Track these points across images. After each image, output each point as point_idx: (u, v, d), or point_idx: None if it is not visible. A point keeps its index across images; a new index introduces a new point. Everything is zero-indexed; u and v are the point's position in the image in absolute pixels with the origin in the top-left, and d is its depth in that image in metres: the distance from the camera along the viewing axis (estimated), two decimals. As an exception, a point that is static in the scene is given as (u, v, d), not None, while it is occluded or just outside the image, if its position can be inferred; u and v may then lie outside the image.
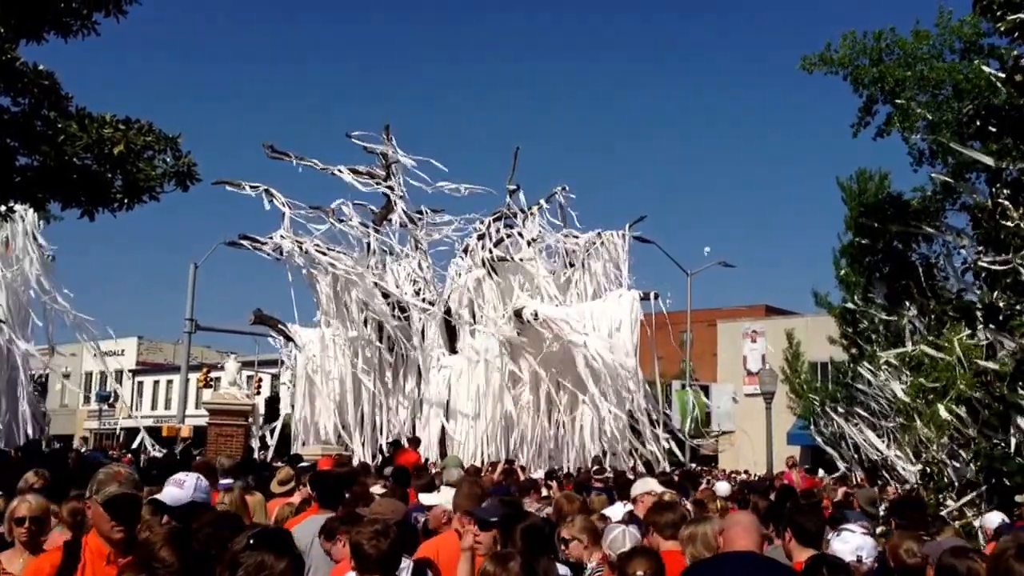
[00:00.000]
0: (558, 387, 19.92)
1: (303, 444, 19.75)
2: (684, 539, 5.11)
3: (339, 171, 20.80)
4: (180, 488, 4.67)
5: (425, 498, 6.74)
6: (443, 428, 19.76)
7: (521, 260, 20.25)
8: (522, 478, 12.83)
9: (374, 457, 18.51)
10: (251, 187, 19.90)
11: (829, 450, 18.10)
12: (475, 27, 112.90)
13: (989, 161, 12.85)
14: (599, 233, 21.08)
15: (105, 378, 27.93)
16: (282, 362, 22.58)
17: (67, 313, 19.83)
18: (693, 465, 20.83)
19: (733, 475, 23.86)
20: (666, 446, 19.77)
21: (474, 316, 20.25)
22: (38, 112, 9.87)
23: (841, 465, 17.29)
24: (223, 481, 7.48)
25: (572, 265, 21.13)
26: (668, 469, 17.57)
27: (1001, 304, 11.39)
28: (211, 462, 9.46)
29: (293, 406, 21.18)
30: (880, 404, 15.44)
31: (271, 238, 19.36)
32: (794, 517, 5.08)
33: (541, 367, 19.81)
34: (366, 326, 19.99)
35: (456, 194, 21.39)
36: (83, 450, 24.06)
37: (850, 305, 21.84)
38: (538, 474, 15.64)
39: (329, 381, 20.10)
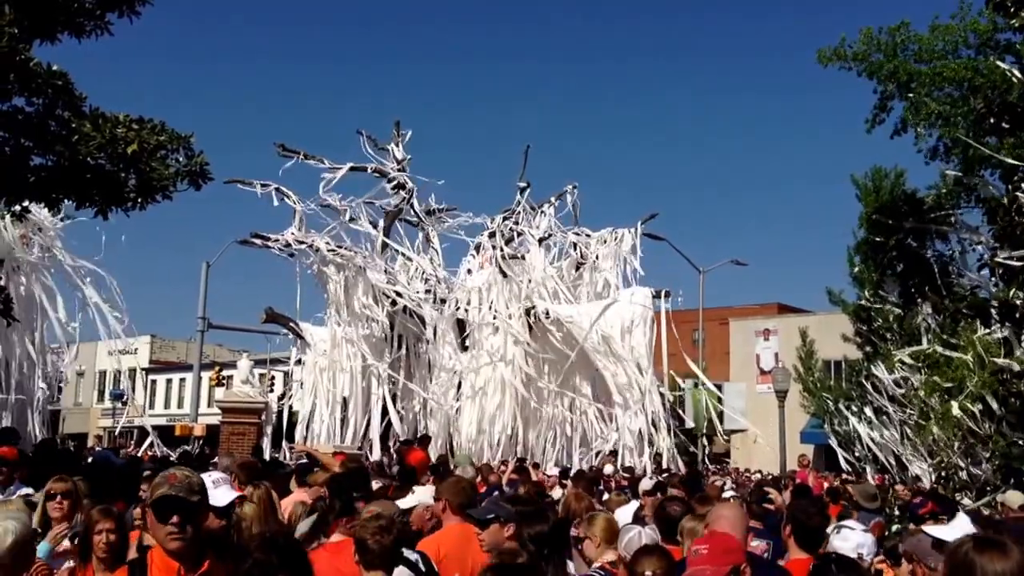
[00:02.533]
0: (570, 385, 19.85)
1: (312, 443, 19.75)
2: (684, 533, 5.06)
3: (338, 174, 20.85)
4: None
5: (402, 502, 6.26)
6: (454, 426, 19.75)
7: (531, 259, 20.18)
8: (535, 477, 12.78)
9: (383, 455, 18.50)
10: (262, 186, 19.95)
11: (839, 450, 17.98)
12: (475, 28, 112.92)
13: (1007, 159, 12.71)
14: (612, 231, 20.99)
15: (119, 376, 27.94)
16: (277, 362, 22.48)
17: (90, 304, 19.58)
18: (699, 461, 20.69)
19: (745, 473, 23.78)
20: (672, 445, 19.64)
21: (484, 314, 20.20)
22: (52, 112, 9.88)
23: (842, 460, 17.14)
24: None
25: (584, 262, 21.05)
26: (678, 469, 17.48)
27: (1018, 301, 11.30)
28: (255, 463, 9.37)
29: (301, 403, 21.17)
30: (895, 400, 15.30)
31: (282, 235, 19.42)
32: (795, 515, 4.93)
33: (552, 365, 19.75)
34: (377, 324, 20.00)
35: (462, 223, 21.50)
36: (96, 448, 24.12)
37: (864, 302, 21.64)
38: (552, 472, 15.59)
39: (339, 379, 20.12)
